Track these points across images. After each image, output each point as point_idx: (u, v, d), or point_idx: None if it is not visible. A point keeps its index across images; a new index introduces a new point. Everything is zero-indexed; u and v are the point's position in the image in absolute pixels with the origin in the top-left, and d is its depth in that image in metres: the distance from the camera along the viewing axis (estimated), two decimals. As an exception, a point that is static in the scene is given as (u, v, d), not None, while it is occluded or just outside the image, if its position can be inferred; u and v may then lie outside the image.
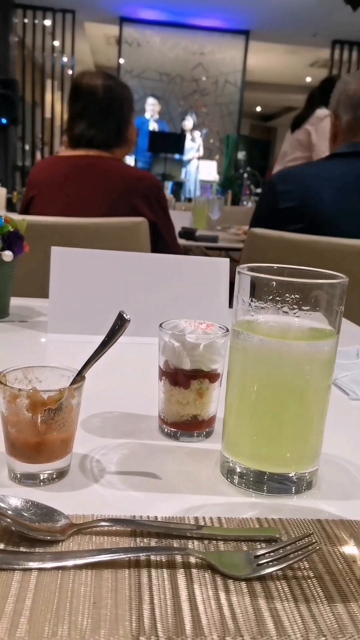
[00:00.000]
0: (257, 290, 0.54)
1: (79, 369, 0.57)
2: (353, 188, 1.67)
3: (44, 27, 8.70)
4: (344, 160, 1.71)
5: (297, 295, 0.53)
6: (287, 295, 0.53)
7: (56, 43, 8.83)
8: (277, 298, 0.53)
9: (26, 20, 8.65)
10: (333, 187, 1.68)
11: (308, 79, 10.85)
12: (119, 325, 0.55)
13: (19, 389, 0.51)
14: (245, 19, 8.47)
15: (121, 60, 9.01)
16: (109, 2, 8.05)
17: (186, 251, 3.15)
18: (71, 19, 8.54)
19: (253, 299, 0.54)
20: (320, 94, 3.98)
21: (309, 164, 1.86)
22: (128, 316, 0.55)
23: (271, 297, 0.53)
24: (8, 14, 8.22)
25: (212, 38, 8.99)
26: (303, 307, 0.53)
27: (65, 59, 9.01)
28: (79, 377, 0.55)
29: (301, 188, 1.70)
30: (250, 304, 0.54)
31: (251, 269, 0.56)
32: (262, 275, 0.53)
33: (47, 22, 8.64)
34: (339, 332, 0.55)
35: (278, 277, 0.52)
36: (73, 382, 0.55)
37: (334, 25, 8.05)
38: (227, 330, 0.65)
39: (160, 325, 0.66)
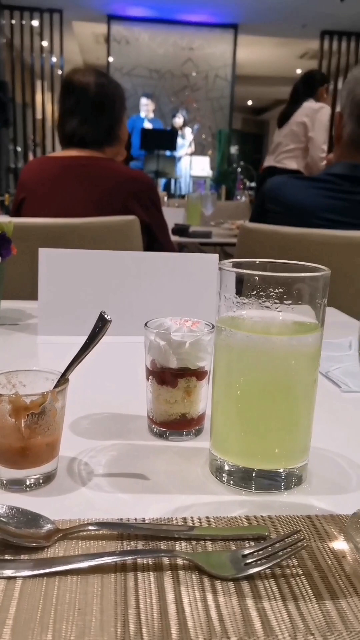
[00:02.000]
0: (239, 286, 0.53)
1: (63, 371, 0.56)
2: (350, 224, 1.61)
3: (31, 27, 8.66)
4: (342, 185, 1.63)
5: (280, 290, 0.52)
6: (270, 290, 0.52)
7: (45, 43, 8.79)
8: (261, 293, 0.52)
9: (14, 21, 8.61)
10: (325, 219, 1.63)
11: (298, 71, 10.80)
12: (100, 326, 0.54)
13: (0, 394, 0.51)
14: (233, 13, 8.43)
15: (110, 59, 8.99)
16: (96, 1, 8.02)
17: (180, 248, 3.14)
18: (59, 19, 8.51)
19: (236, 294, 0.54)
20: (304, 88, 3.98)
21: (303, 181, 1.75)
22: (109, 316, 0.54)
23: (254, 292, 0.53)
24: (-5, 16, 8.20)
25: (200, 33, 8.96)
26: (286, 301, 0.52)
27: (54, 59, 8.98)
28: (62, 379, 0.55)
29: (290, 215, 1.66)
30: (233, 300, 0.54)
31: (234, 265, 0.55)
32: (244, 271, 0.52)
33: (35, 23, 8.61)
34: (323, 324, 0.54)
35: (260, 272, 0.51)
36: (56, 385, 0.54)
37: (323, 16, 8.02)
38: (213, 327, 0.64)
39: (146, 324, 0.65)
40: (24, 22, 8.59)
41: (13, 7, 8.37)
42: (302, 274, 0.52)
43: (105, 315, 0.54)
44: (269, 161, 3.96)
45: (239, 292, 0.54)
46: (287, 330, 0.54)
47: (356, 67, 1.71)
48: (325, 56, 8.83)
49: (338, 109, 1.72)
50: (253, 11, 8.11)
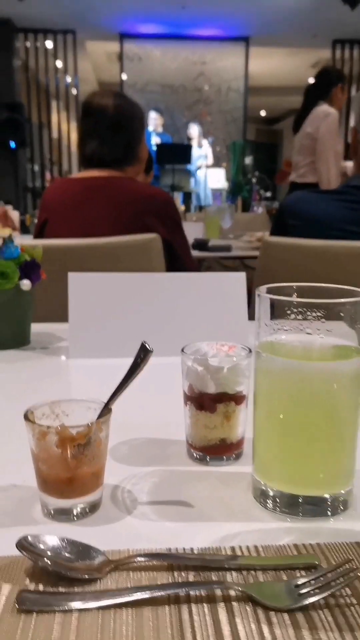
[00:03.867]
0: (277, 311, 0.54)
1: (105, 401, 0.57)
2: None
3: (46, 49, 8.82)
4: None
5: (318, 314, 0.52)
6: (308, 314, 0.52)
7: (59, 64, 8.95)
8: (299, 317, 0.53)
9: (28, 44, 8.78)
10: (346, 230, 1.63)
11: (311, 80, 10.84)
12: (143, 356, 0.55)
13: (48, 426, 0.52)
14: (244, 26, 8.50)
15: (124, 76, 9.10)
16: (108, 20, 8.15)
17: (200, 262, 3.15)
18: (72, 39, 8.66)
19: (274, 320, 0.54)
20: (315, 89, 3.91)
21: (321, 195, 1.75)
22: (151, 347, 0.55)
23: (292, 317, 0.53)
24: (10, 39, 8.36)
25: (212, 47, 9.05)
26: (325, 326, 0.53)
27: (69, 79, 9.13)
28: (106, 409, 0.55)
29: (311, 229, 1.66)
30: (271, 326, 0.54)
31: (270, 291, 0.56)
32: (282, 298, 0.53)
33: (49, 44, 8.77)
34: (364, 348, 0.54)
35: (298, 299, 0.52)
36: (100, 416, 0.55)
37: (334, 25, 8.04)
38: (250, 351, 0.65)
39: (182, 349, 0.66)
40: (38, 44, 8.76)
41: (27, 29, 8.54)
42: (342, 300, 0.52)
43: (147, 345, 0.55)
44: (292, 177, 3.95)
45: (277, 316, 0.54)
46: (327, 355, 0.54)
47: None
48: (337, 64, 8.83)
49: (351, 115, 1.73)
50: (263, 23, 8.16)
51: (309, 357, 0.54)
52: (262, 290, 0.55)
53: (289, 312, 0.53)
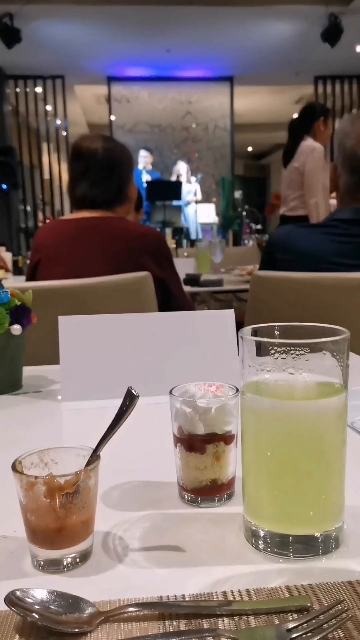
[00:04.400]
0: (261, 352, 0.54)
1: (94, 447, 0.57)
2: (355, 266, 1.62)
3: (35, 94, 9.05)
4: (349, 229, 1.65)
5: (302, 353, 0.53)
6: (292, 353, 0.53)
7: (49, 107, 9.16)
8: (283, 357, 0.54)
9: (18, 90, 9.01)
10: (335, 263, 1.66)
11: (295, 115, 11.11)
12: (129, 402, 0.55)
13: (35, 476, 0.52)
14: (227, 66, 8.76)
15: (112, 117, 9.32)
16: (96, 65, 8.39)
17: (194, 296, 3.17)
18: (61, 84, 8.90)
19: (258, 361, 0.55)
20: (299, 123, 4.01)
21: (310, 229, 1.78)
22: (137, 392, 0.55)
23: (276, 357, 0.54)
24: (1, 86, 8.58)
25: (198, 87, 9.31)
26: (309, 365, 0.53)
27: (58, 122, 9.33)
28: (94, 456, 0.55)
29: (300, 262, 1.69)
30: (255, 366, 0.55)
31: (254, 332, 0.57)
32: (265, 339, 0.53)
33: (39, 89, 9.00)
34: (347, 385, 0.55)
35: (280, 340, 0.53)
36: (88, 463, 0.55)
37: (315, 62, 8.30)
38: (237, 390, 0.65)
39: (170, 392, 0.66)
40: (28, 89, 8.99)
41: (17, 76, 8.78)
42: (324, 340, 0.53)
43: (133, 391, 0.55)
44: (282, 210, 4.01)
45: (261, 356, 0.55)
46: (312, 394, 0.55)
47: (342, 120, 1.77)
48: (319, 100, 9.07)
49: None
50: (247, 63, 8.42)
51: (293, 397, 0.55)
52: (244, 332, 0.56)
53: (272, 351, 0.54)
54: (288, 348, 0.53)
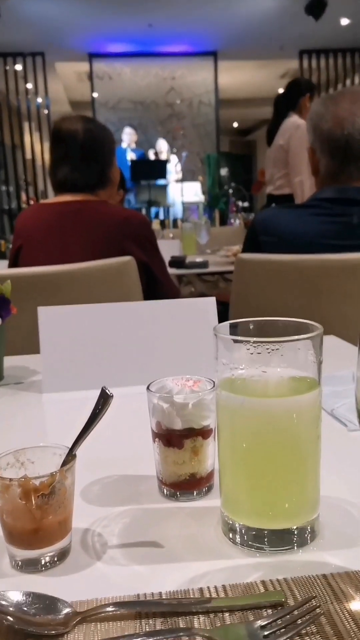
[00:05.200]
0: (235, 350, 0.54)
1: (70, 446, 0.57)
2: (345, 247, 1.62)
3: (15, 72, 8.86)
4: (333, 208, 1.64)
5: (276, 349, 0.53)
6: (266, 350, 0.53)
7: (29, 85, 8.98)
8: (258, 352, 0.54)
9: (-3, 67, 8.82)
10: (320, 244, 1.65)
11: (280, 90, 10.99)
12: (103, 402, 0.55)
13: (10, 478, 0.52)
14: (211, 41, 8.62)
15: (95, 94, 9.16)
16: (77, 41, 8.21)
17: (180, 278, 3.16)
18: (42, 61, 8.71)
19: (232, 357, 0.55)
20: (284, 100, 3.94)
21: (293, 209, 1.76)
22: (110, 392, 0.55)
23: (252, 352, 0.54)
24: (-21, 64, 8.39)
25: (181, 63, 9.16)
26: (284, 360, 0.54)
27: (40, 100, 9.16)
28: (70, 456, 0.55)
29: (285, 245, 1.68)
30: (229, 364, 0.55)
31: (230, 328, 0.57)
32: (239, 337, 0.53)
33: (19, 67, 8.81)
34: (320, 381, 0.55)
35: (255, 339, 0.52)
36: (64, 463, 0.55)
37: (299, 36, 8.19)
38: (214, 385, 0.65)
39: (148, 387, 0.66)
40: (7, 67, 8.80)
41: (-4, 53, 8.58)
42: (297, 337, 0.53)
43: (107, 391, 0.55)
44: (268, 189, 3.98)
45: (235, 353, 0.55)
46: (286, 390, 0.55)
47: (315, 103, 1.74)
48: (305, 74, 8.97)
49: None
50: (230, 37, 8.29)
51: (267, 394, 0.55)
52: (218, 330, 0.56)
53: (247, 348, 0.54)
54: (262, 344, 0.53)
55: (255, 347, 0.53)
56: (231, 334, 0.57)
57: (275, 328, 0.57)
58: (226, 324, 0.57)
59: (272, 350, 0.53)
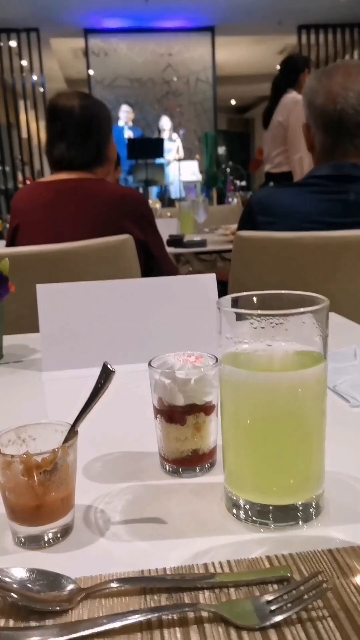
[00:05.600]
0: (239, 324, 0.53)
1: (72, 422, 0.56)
2: (343, 224, 1.60)
3: (9, 48, 8.70)
4: (329, 185, 1.62)
5: (281, 322, 0.52)
6: (270, 323, 0.52)
7: (24, 62, 8.84)
8: (262, 326, 0.52)
9: (-9, 44, 8.66)
10: (318, 222, 1.63)
11: (278, 67, 10.84)
12: (105, 378, 0.54)
13: (12, 455, 0.51)
14: (208, 16, 8.46)
15: (90, 72, 9.02)
16: (72, 16, 8.06)
17: (178, 257, 3.14)
18: (36, 37, 8.55)
19: (236, 331, 0.54)
20: (282, 77, 3.87)
21: (290, 188, 1.74)
22: (112, 367, 0.54)
23: (255, 327, 0.53)
24: (-28, 40, 8.24)
25: (178, 38, 9.00)
26: (288, 334, 0.53)
27: (35, 77, 9.02)
28: (72, 433, 0.55)
29: (283, 224, 1.66)
30: (233, 338, 0.54)
31: (232, 302, 0.56)
32: (243, 311, 0.52)
33: (13, 43, 8.65)
34: (326, 355, 0.54)
35: (259, 312, 0.51)
36: (66, 440, 0.54)
37: (298, 11, 8.04)
38: (217, 360, 0.64)
39: (149, 363, 0.65)
40: (1, 43, 8.64)
41: (-11, 29, 8.42)
42: (302, 309, 0.51)
43: (109, 366, 0.54)
44: (267, 168, 3.93)
45: (239, 327, 0.54)
46: (291, 364, 0.54)
47: (309, 78, 1.71)
48: (304, 50, 8.84)
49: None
50: (228, 12, 8.13)
51: (272, 368, 0.54)
52: (222, 303, 0.55)
53: (251, 322, 0.53)
54: (267, 318, 0.52)
55: (259, 320, 0.52)
56: (234, 307, 0.56)
57: (279, 301, 0.56)
58: (229, 297, 0.56)
59: (277, 324, 0.52)
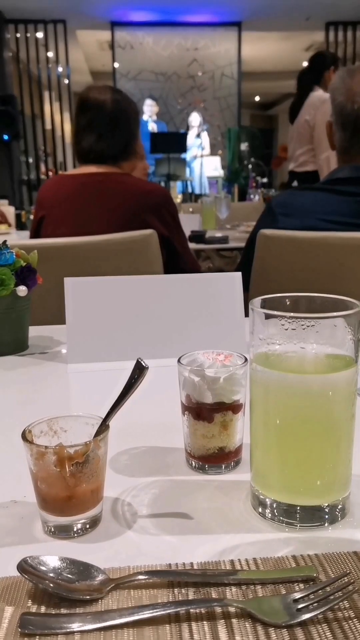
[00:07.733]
0: (270, 325, 0.54)
1: (101, 413, 0.57)
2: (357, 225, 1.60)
3: (36, 39, 8.74)
4: (349, 188, 1.61)
5: (312, 325, 0.53)
6: (302, 326, 0.52)
7: (50, 54, 8.87)
8: (293, 328, 0.53)
9: (18, 35, 8.70)
10: (338, 223, 1.62)
11: (305, 64, 10.73)
12: (138, 374, 0.55)
13: (45, 446, 0.52)
14: (236, 11, 8.41)
15: (116, 65, 9.02)
16: (99, 8, 8.06)
17: (198, 253, 3.14)
18: (63, 29, 8.57)
19: (267, 332, 0.54)
20: (309, 73, 3.84)
21: (309, 192, 1.75)
22: (146, 363, 0.55)
23: (286, 328, 0.53)
24: (1, 30, 8.28)
25: (204, 33, 8.95)
26: (319, 337, 0.53)
27: (60, 69, 9.05)
28: (103, 426, 0.56)
29: (304, 225, 1.65)
30: (265, 339, 0.54)
31: (263, 303, 0.56)
32: (275, 312, 0.53)
33: (40, 35, 8.68)
34: (357, 359, 0.54)
35: (291, 314, 0.52)
36: (98, 433, 0.55)
37: (326, 7, 7.96)
38: (246, 360, 0.65)
39: (179, 360, 0.66)
40: (28, 34, 8.68)
41: (17, 20, 8.45)
42: (336, 314, 0.52)
43: (142, 362, 0.55)
44: (291, 166, 3.92)
45: (271, 328, 0.54)
46: (321, 367, 0.54)
47: (335, 75, 1.71)
48: (331, 47, 8.75)
49: None
50: (255, 8, 8.07)
51: (303, 370, 0.55)
52: (254, 304, 0.55)
53: (282, 323, 0.53)
54: (298, 320, 0.52)
55: (290, 322, 0.53)
56: (266, 308, 0.56)
57: (311, 304, 0.56)
58: (261, 298, 0.56)
59: (308, 326, 0.53)
